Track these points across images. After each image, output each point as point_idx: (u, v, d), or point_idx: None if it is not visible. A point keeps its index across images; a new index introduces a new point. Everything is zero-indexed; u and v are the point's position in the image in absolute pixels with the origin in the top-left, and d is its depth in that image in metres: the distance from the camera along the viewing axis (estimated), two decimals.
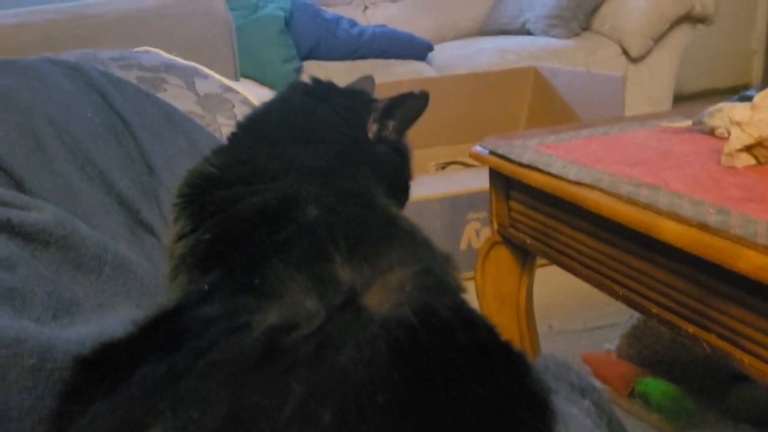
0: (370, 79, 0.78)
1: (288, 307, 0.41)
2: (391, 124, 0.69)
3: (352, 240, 0.47)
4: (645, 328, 1.45)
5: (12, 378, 0.42)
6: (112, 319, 0.53)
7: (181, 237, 0.59)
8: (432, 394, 0.37)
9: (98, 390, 0.38)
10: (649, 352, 1.42)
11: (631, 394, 1.36)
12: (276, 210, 0.53)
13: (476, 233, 2.03)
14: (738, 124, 0.92)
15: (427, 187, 2.10)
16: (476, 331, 0.44)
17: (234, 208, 0.56)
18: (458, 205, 2.00)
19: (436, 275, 0.48)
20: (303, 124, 0.66)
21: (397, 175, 0.70)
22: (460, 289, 0.51)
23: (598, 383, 1.40)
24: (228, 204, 0.57)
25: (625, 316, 1.52)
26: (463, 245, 2.02)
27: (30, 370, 0.43)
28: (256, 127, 0.68)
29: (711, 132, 1.09)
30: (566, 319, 1.73)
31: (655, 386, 1.32)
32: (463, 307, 0.46)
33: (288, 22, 2.75)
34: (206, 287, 0.47)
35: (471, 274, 1.29)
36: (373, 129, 0.69)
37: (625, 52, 3.02)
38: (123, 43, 1.33)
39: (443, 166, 2.51)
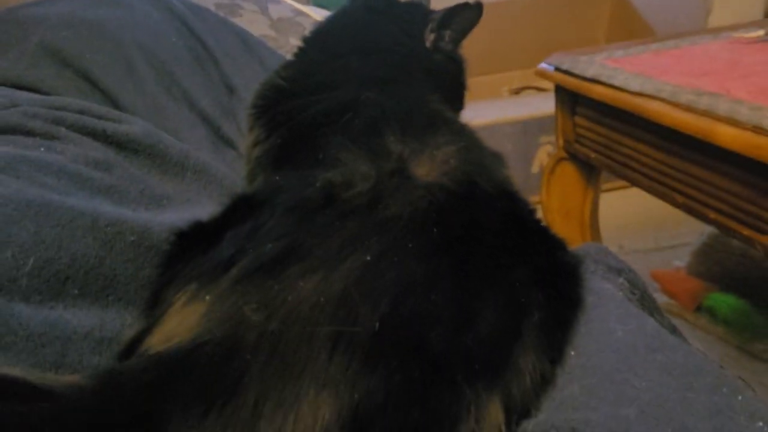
0: None
1: (346, 171, 0.47)
2: (447, 33, 0.72)
3: (404, 123, 0.53)
4: (716, 245, 1.44)
5: (117, 250, 0.50)
6: (199, 211, 0.61)
7: (256, 144, 0.66)
8: (464, 247, 0.42)
9: (195, 252, 0.45)
10: (719, 268, 1.42)
11: (699, 309, 1.37)
12: (337, 112, 0.59)
13: (549, 156, 2.02)
14: None
15: (500, 110, 2.10)
16: (516, 205, 0.49)
17: (301, 116, 0.63)
18: (530, 129, 2.00)
19: (481, 154, 0.53)
20: (363, 37, 0.71)
21: (452, 83, 0.74)
22: (506, 181, 0.55)
23: (665, 298, 1.42)
24: (296, 113, 0.63)
25: (696, 236, 1.51)
26: (535, 168, 2.03)
27: (131, 245, 0.51)
28: (319, 41, 0.73)
29: None
30: (637, 238, 1.73)
31: (723, 300, 1.33)
32: (505, 185, 0.51)
33: None
34: (277, 177, 0.54)
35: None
36: (430, 38, 0.72)
37: None
38: None
39: (517, 91, 2.49)
